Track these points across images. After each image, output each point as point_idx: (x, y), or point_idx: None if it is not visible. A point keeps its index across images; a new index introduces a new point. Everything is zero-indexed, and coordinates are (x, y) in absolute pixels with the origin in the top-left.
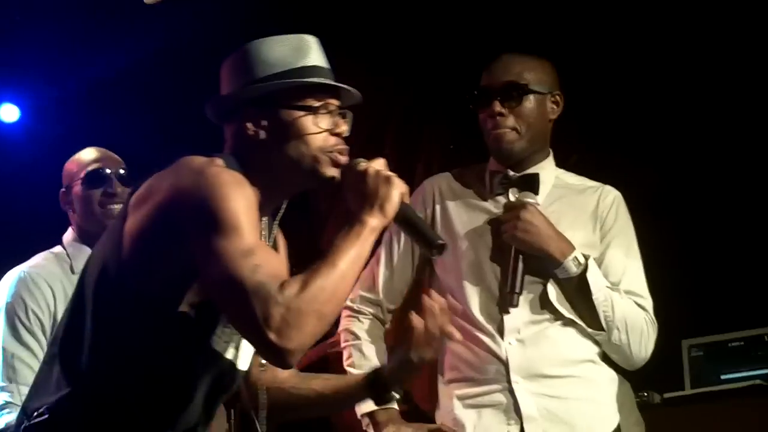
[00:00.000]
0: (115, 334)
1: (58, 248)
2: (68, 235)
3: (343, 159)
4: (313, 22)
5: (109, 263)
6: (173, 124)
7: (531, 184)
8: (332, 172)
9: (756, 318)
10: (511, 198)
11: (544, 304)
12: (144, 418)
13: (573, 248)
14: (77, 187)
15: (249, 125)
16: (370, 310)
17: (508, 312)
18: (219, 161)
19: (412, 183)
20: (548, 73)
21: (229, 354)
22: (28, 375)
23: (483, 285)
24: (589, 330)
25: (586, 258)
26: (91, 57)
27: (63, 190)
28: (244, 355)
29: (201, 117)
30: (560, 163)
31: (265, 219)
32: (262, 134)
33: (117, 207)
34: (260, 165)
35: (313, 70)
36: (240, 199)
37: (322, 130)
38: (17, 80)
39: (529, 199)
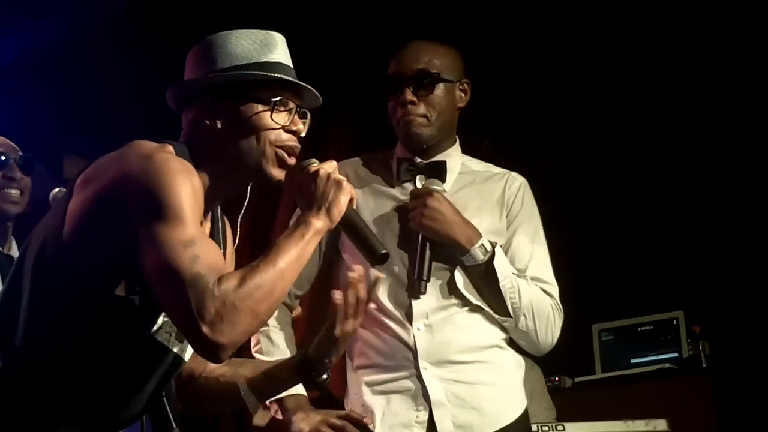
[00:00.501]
0: (51, 314)
1: None
2: None
3: (291, 160)
4: (215, 11)
5: (50, 241)
6: (72, 112)
7: (438, 171)
8: (276, 172)
9: (665, 302)
10: (418, 185)
11: (451, 290)
12: (79, 402)
13: (480, 236)
14: None
15: (206, 113)
16: None
17: (417, 298)
18: (169, 148)
19: None
20: (457, 61)
21: (175, 347)
22: None
23: (390, 272)
24: (496, 316)
25: (493, 245)
26: None
27: None
28: (190, 347)
29: (100, 105)
30: (468, 150)
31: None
32: (218, 124)
33: (14, 192)
34: (211, 155)
35: (276, 66)
36: (186, 188)
37: (277, 126)
38: None
39: (436, 186)
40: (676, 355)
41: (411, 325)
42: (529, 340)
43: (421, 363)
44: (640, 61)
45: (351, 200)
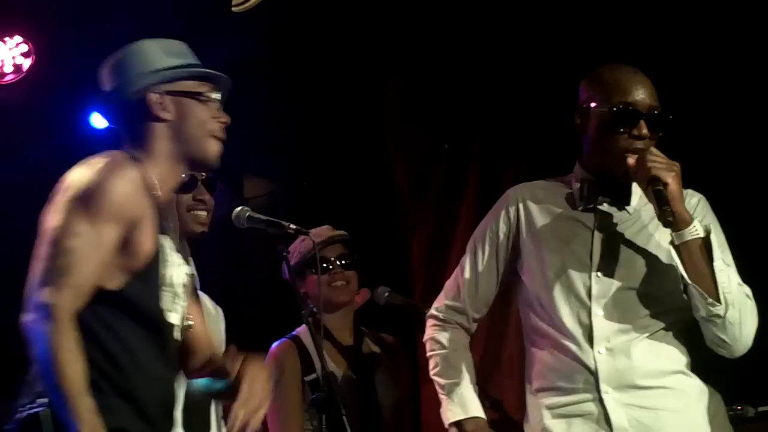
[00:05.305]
0: (86, 330)
1: None
2: None
3: (222, 136)
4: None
5: None
6: (258, 127)
7: (624, 193)
8: (215, 153)
9: None
10: (602, 207)
11: (632, 314)
12: (129, 398)
13: None
14: None
15: (153, 110)
16: (456, 319)
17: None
18: (115, 154)
19: (499, 194)
20: None
21: (174, 318)
22: None
23: (571, 293)
24: (709, 300)
25: (706, 227)
26: None
27: None
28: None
29: (283, 118)
30: None
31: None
32: (165, 117)
33: (203, 213)
34: (160, 148)
35: (199, 66)
36: (117, 188)
37: (210, 116)
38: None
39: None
40: None
41: (592, 348)
42: (731, 334)
43: (603, 387)
44: None
45: None
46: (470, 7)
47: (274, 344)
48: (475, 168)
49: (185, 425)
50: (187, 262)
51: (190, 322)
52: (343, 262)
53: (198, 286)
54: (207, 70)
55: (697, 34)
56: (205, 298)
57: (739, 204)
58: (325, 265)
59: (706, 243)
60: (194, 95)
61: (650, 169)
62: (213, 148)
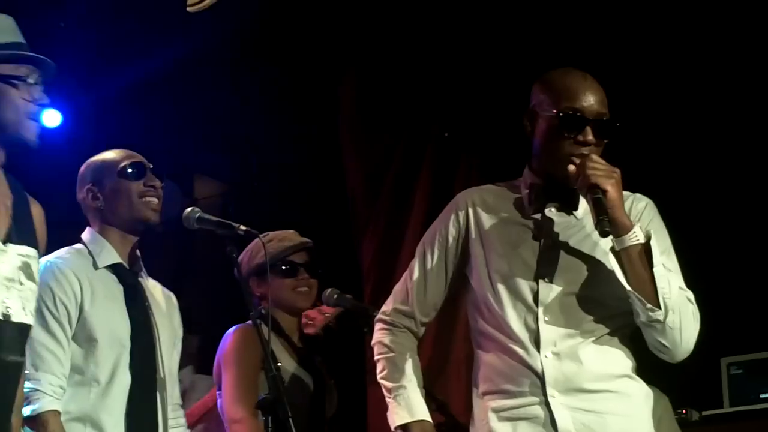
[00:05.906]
0: None
1: (78, 245)
2: (88, 233)
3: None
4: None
5: None
6: (209, 127)
7: (571, 199)
8: (31, 135)
9: None
10: (549, 212)
11: (578, 318)
12: None
13: None
14: (112, 181)
15: None
16: (404, 323)
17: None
18: None
19: (450, 197)
20: None
21: None
22: (53, 364)
23: (518, 298)
24: (648, 305)
25: (647, 233)
26: (130, 61)
27: (90, 185)
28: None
29: (234, 118)
30: None
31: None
32: None
33: (155, 200)
34: None
35: (21, 46)
36: None
37: (24, 99)
38: (59, 85)
39: (567, 214)
40: None
41: (539, 351)
42: (671, 339)
43: (549, 391)
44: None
45: None
46: (425, 9)
47: (233, 328)
48: (426, 170)
49: (130, 429)
50: (28, 244)
51: (8, 308)
52: (309, 269)
53: (145, 276)
54: (22, 52)
55: (652, 39)
56: (157, 286)
57: (690, 208)
58: (291, 269)
59: (646, 248)
60: (8, 79)
61: (589, 176)
62: (30, 130)
